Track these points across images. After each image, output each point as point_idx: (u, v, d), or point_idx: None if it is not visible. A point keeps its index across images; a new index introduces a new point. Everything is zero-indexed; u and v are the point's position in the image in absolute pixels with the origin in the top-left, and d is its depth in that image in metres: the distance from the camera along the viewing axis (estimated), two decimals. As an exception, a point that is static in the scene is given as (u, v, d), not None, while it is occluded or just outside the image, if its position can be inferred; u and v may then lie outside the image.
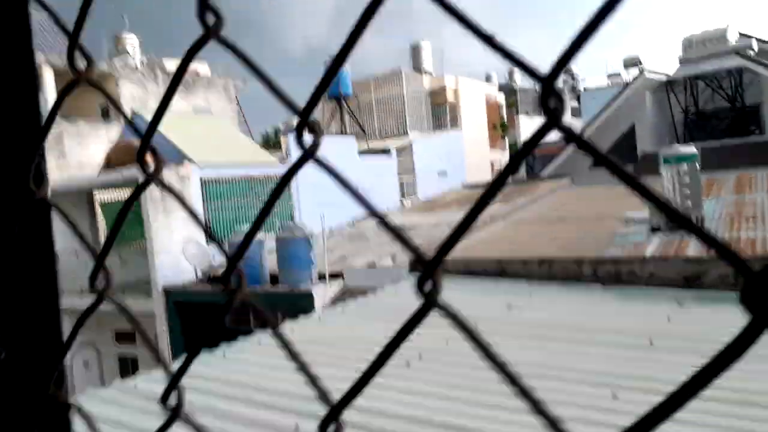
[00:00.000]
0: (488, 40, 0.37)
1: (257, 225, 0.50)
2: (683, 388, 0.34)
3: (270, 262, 11.10)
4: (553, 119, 0.36)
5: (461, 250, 10.68)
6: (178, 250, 11.77)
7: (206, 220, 13.44)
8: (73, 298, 13.31)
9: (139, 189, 0.62)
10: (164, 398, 0.61)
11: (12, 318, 0.67)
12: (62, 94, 0.69)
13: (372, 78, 27.55)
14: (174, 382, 0.59)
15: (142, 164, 0.59)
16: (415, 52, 29.96)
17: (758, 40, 22.93)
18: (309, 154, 0.48)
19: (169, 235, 12.32)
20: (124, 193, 14.96)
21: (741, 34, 23.18)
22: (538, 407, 0.40)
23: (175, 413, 0.60)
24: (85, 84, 0.67)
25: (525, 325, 5.39)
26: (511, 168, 0.40)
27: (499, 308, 6.06)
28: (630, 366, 4.14)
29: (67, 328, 0.72)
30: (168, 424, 0.61)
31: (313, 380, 0.49)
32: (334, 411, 0.49)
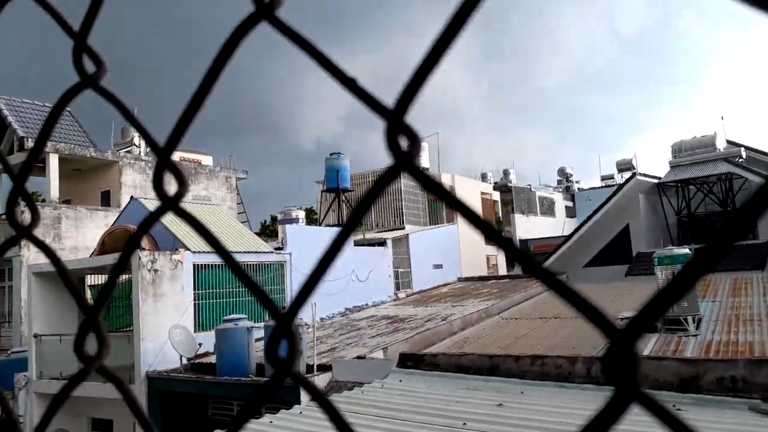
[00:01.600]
0: (350, 82, 0.36)
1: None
2: None
3: (259, 351, 10.82)
4: (404, 160, 0.33)
5: (453, 345, 10.46)
6: (164, 336, 11.50)
7: (196, 306, 13.24)
8: (51, 384, 12.85)
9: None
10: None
11: None
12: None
13: (371, 172, 28.17)
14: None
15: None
16: (414, 148, 30.88)
17: (746, 147, 23.71)
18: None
19: (156, 321, 12.09)
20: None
21: (729, 142, 24.00)
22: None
23: None
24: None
25: (515, 426, 5.16)
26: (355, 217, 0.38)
27: (489, 406, 5.83)
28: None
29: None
30: None
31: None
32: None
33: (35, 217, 0.58)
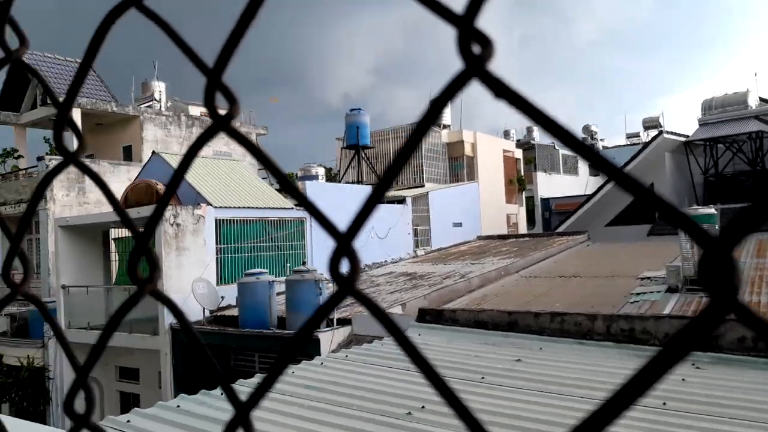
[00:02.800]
0: None
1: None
2: (645, 368, 0.29)
3: (281, 305, 11.00)
4: (476, 64, 0.31)
5: (471, 302, 10.51)
6: (187, 289, 11.73)
7: (218, 260, 13.44)
8: (79, 333, 13.25)
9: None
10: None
11: None
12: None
13: (391, 129, 27.93)
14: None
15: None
16: (435, 105, 30.45)
17: (779, 105, 22.97)
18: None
19: (179, 275, 12.31)
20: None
21: (762, 99, 23.24)
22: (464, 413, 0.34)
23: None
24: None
25: (533, 381, 5.19)
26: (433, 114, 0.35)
27: (508, 362, 5.87)
28: (642, 428, 3.94)
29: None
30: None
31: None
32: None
33: (82, 144, 0.57)
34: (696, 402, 4.47)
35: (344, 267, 0.40)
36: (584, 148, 0.33)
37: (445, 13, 0.33)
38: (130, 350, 12.27)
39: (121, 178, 19.22)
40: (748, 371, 5.42)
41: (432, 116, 0.37)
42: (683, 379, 5.15)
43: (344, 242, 0.39)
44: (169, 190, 0.57)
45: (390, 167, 0.38)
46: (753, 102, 22.37)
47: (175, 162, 15.02)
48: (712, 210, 10.86)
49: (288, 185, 0.48)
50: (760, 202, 0.26)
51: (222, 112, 0.48)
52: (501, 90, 0.32)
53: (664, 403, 4.46)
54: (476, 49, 0.32)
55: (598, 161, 0.32)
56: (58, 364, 13.95)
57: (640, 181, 0.31)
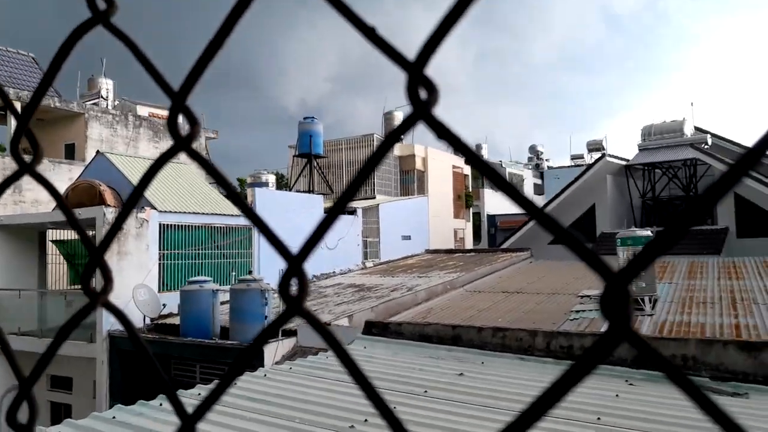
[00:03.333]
0: (369, 31, 0.37)
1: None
2: (544, 396, 0.33)
3: (224, 314, 10.81)
4: (422, 109, 0.35)
5: (417, 315, 10.62)
6: (128, 296, 11.39)
7: (161, 266, 13.11)
8: (10, 339, 12.62)
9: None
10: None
11: None
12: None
13: (345, 140, 27.99)
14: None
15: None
16: (388, 119, 30.72)
17: (712, 135, 24.25)
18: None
19: (120, 280, 11.94)
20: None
21: (696, 128, 24.49)
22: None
23: None
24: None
25: (474, 395, 5.29)
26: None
27: (450, 375, 5.97)
28: (576, 442, 4.08)
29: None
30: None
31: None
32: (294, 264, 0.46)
33: (38, 154, 0.60)
34: (629, 417, 4.65)
35: (293, 286, 0.42)
36: (509, 189, 0.37)
37: (398, 59, 0.36)
38: (62, 358, 11.78)
39: (62, 177, 18.52)
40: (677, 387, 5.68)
41: (381, 153, 0.41)
42: (617, 395, 5.36)
43: (295, 264, 0.41)
44: (128, 205, 0.59)
45: (342, 195, 0.42)
46: (689, 130, 23.55)
47: (120, 163, 14.59)
48: (648, 232, 11.36)
49: (243, 206, 0.50)
50: (654, 243, 0.31)
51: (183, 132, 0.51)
52: (443, 133, 0.36)
53: (599, 418, 4.63)
54: (423, 94, 0.35)
55: (521, 201, 0.37)
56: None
57: (558, 221, 0.35)
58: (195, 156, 0.49)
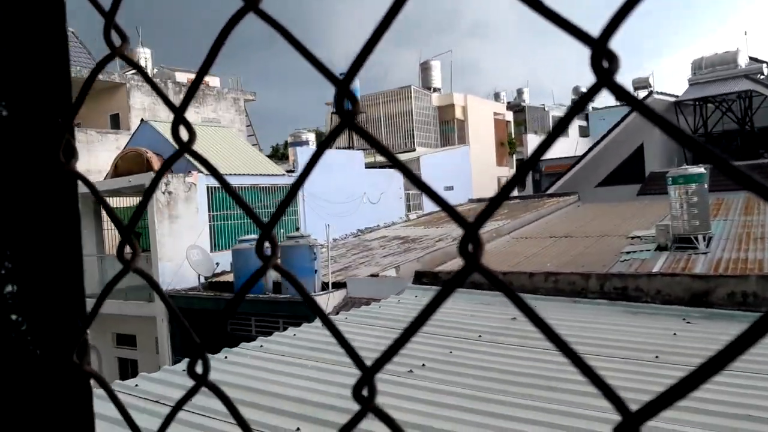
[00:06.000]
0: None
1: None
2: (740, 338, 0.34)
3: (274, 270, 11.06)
4: (605, 77, 0.37)
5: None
6: (181, 257, 11.76)
7: (211, 227, 13.44)
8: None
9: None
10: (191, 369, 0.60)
11: (38, 287, 0.67)
12: (98, 68, 0.73)
13: (381, 93, 27.68)
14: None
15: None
16: (425, 69, 30.13)
17: (768, 64, 22.96)
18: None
19: (173, 242, 12.32)
20: (130, 201, 15.01)
21: (751, 58, 23.21)
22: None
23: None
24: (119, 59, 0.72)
25: (529, 338, 5.31)
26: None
27: (503, 320, 5.99)
28: (635, 380, 4.07)
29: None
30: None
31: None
32: (368, 374, 0.52)
33: (192, 133, 0.63)
34: (687, 355, 4.60)
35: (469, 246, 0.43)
36: (685, 137, 0.37)
37: (581, 36, 0.38)
38: (126, 317, 12.35)
39: (109, 147, 19.02)
40: (737, 325, 5.56)
41: (571, 116, 0.43)
42: (675, 334, 5.30)
43: (471, 230, 0.43)
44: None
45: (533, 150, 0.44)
46: (743, 61, 22.35)
47: (164, 130, 14.85)
48: (701, 169, 10.94)
49: (408, 173, 0.49)
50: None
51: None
52: (623, 95, 0.38)
53: (657, 357, 4.60)
54: (605, 63, 0.37)
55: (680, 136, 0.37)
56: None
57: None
58: (359, 131, 0.50)
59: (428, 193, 0.47)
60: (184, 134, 0.62)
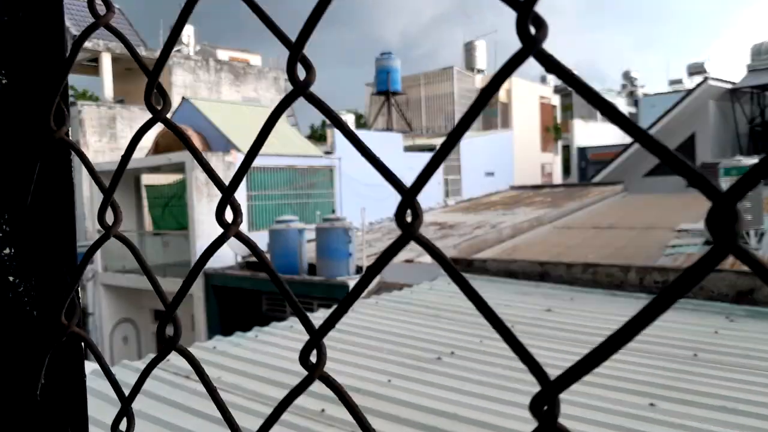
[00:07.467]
0: None
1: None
2: (640, 314, 0.33)
3: (310, 252, 11.11)
4: (531, 45, 0.35)
5: (502, 252, 10.43)
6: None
7: (249, 207, 13.57)
8: (116, 276, 13.65)
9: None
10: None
11: (34, 250, 0.71)
12: (82, 37, 0.73)
13: (423, 74, 27.36)
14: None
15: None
16: (469, 50, 29.58)
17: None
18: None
19: (211, 221, 12.46)
20: (169, 178, 15.27)
21: (815, 44, 21.95)
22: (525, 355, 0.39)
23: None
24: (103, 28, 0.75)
25: (563, 330, 5.15)
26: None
27: (537, 311, 5.83)
28: (671, 377, 3.89)
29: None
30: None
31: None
32: (316, 337, 0.52)
33: (166, 102, 0.66)
34: (728, 354, 4.39)
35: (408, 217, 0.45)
36: (618, 116, 0.34)
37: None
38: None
39: (153, 125, 19.35)
40: (786, 325, 5.28)
41: (488, 94, 0.41)
42: (716, 332, 5.06)
43: (409, 196, 0.44)
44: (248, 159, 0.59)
45: (448, 137, 0.42)
46: (807, 47, 21.17)
47: (204, 108, 15.00)
48: (756, 161, 10.42)
49: (356, 143, 0.50)
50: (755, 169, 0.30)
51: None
52: (552, 66, 0.36)
53: (695, 355, 4.39)
54: (532, 30, 0.36)
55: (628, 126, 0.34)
56: (96, 304, 14.46)
57: (661, 142, 0.33)
58: (313, 101, 0.51)
59: (364, 154, 0.48)
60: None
